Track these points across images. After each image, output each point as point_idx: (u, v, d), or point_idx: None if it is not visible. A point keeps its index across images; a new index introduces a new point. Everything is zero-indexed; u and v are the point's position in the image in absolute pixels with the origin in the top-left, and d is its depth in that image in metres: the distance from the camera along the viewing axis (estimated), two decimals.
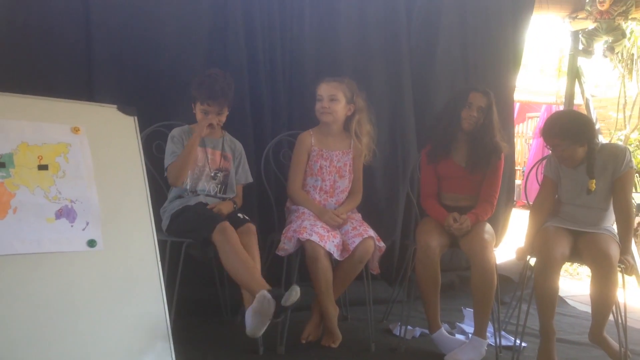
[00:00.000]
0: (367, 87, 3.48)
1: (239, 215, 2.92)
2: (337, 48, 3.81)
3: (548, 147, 3.06)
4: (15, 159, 2.30)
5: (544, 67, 12.75)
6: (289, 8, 3.70)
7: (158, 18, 3.39)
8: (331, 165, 3.19)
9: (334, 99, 3.11)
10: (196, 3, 3.46)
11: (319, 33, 3.76)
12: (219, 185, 3.05)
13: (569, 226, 2.99)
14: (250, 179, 3.19)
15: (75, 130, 2.50)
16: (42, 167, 2.35)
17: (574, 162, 3.00)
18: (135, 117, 2.70)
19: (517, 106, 9.53)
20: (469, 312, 3.53)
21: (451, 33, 4.16)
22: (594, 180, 2.95)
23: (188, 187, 2.98)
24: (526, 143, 12.27)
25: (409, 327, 3.25)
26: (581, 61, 5.36)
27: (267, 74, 3.62)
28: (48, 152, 2.38)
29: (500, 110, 3.35)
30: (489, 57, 4.29)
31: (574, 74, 5.43)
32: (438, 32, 4.11)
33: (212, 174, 3.02)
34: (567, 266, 5.62)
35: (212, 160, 3.03)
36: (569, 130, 2.92)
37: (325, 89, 3.13)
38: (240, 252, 2.64)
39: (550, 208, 3.13)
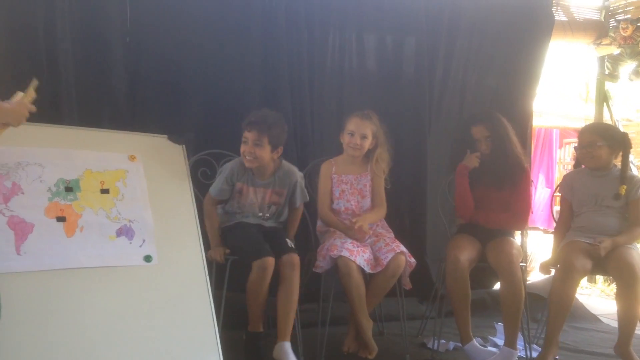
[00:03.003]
0: (389, 112, 3.72)
1: (288, 240, 3.07)
2: (362, 76, 4.07)
3: (579, 147, 3.24)
4: (81, 184, 2.60)
5: (582, 93, 12.77)
6: (317, 40, 3.99)
7: (209, 50, 3.69)
8: (352, 188, 3.39)
9: (364, 137, 3.33)
10: (248, 38, 3.76)
11: (343, 66, 4.05)
12: (268, 215, 3.18)
13: (588, 236, 3.13)
14: (307, 198, 3.26)
15: (132, 158, 2.79)
16: (104, 191, 2.64)
17: (597, 163, 3.18)
18: (184, 146, 3.00)
19: (556, 133, 9.57)
20: (501, 326, 3.64)
21: (461, 57, 4.35)
22: (625, 186, 3.12)
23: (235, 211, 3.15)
24: (564, 169, 12.24)
25: (442, 340, 3.39)
26: (617, 86, 5.49)
27: (297, 107, 3.91)
28: (109, 178, 2.67)
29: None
30: (505, 83, 4.45)
31: (602, 98, 5.57)
32: (452, 56, 4.32)
33: (261, 208, 3.16)
34: (604, 287, 5.66)
35: (262, 199, 3.14)
36: (609, 132, 3.19)
37: (357, 126, 3.32)
38: (261, 294, 2.89)
39: (570, 224, 3.29)
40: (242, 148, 3.00)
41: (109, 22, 3.52)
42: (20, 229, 2.36)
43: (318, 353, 3.09)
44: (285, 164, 3.17)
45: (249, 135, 2.96)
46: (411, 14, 4.15)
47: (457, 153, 3.46)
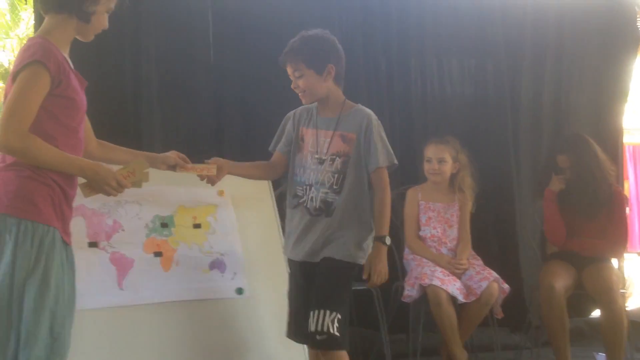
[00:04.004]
0: (473, 140, 3.66)
1: (333, 332, 2.16)
2: (441, 106, 4.03)
3: None
4: (175, 219, 2.70)
5: None
6: (395, 67, 3.99)
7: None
8: (439, 216, 3.35)
9: (443, 161, 3.31)
10: None
11: (424, 92, 4.01)
12: (335, 175, 2.31)
13: None
14: (388, 162, 2.32)
15: (221, 193, 2.86)
16: (197, 226, 2.73)
17: None
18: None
19: None
20: (602, 357, 3.45)
21: (549, 77, 4.24)
22: None
23: (297, 179, 2.39)
24: None
25: None
26: None
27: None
28: (200, 213, 2.76)
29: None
30: (593, 101, 4.30)
31: None
32: (543, 76, 4.20)
33: (321, 160, 2.33)
34: None
35: (323, 145, 2.35)
36: None
37: (434, 152, 3.33)
38: None
39: None
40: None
41: (192, 61, 3.62)
42: (122, 265, 2.48)
43: None
44: (358, 105, 2.43)
45: (289, 71, 2.38)
46: (489, 37, 4.11)
47: (543, 178, 3.37)
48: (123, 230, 2.55)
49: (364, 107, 2.39)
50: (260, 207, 2.96)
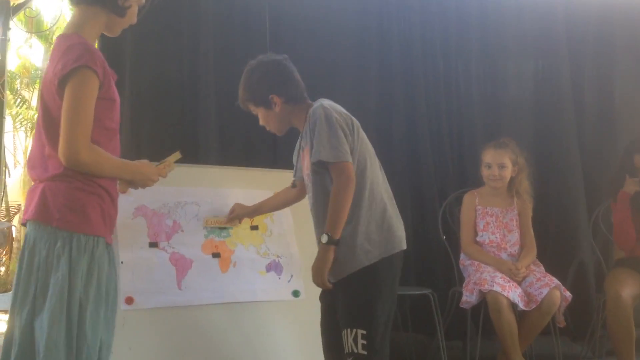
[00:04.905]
0: (528, 142, 3.57)
1: (358, 351, 1.99)
2: (503, 106, 3.93)
3: None
4: None
5: None
6: (454, 71, 3.91)
7: (349, 86, 3.68)
8: (497, 221, 3.27)
9: (503, 166, 3.23)
10: (366, 70, 3.77)
11: (485, 93, 3.92)
12: (311, 194, 2.21)
13: None
14: (333, 158, 2.02)
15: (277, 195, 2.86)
16: (254, 228, 2.74)
17: None
18: None
19: None
20: None
21: (625, 74, 4.09)
22: None
23: None
24: None
25: None
26: None
27: (432, 135, 3.82)
28: (259, 214, 2.74)
29: None
30: None
31: None
32: (611, 75, 4.06)
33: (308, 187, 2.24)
34: None
35: (305, 164, 2.23)
36: None
37: (493, 157, 3.24)
38: None
39: None
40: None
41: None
42: (181, 265, 2.49)
43: None
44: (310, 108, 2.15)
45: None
46: (553, 36, 3.99)
47: (617, 179, 3.25)
48: (182, 231, 2.56)
49: (313, 106, 2.14)
50: None
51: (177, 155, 2.02)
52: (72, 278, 1.67)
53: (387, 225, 2.10)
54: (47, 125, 1.74)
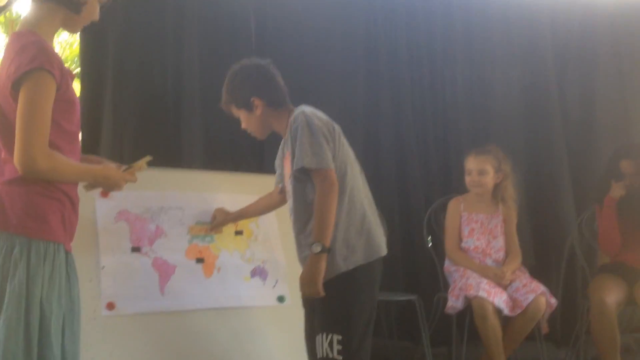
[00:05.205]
0: (516, 148, 3.57)
1: (333, 356, 1.97)
2: (490, 112, 3.93)
3: None
4: None
5: None
6: (440, 77, 3.91)
7: (334, 89, 3.64)
8: (482, 227, 3.27)
9: (483, 172, 3.23)
10: (353, 74, 3.74)
11: (471, 100, 3.91)
12: (291, 204, 2.17)
13: None
14: (301, 164, 2.00)
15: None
16: (238, 233, 2.70)
17: None
18: None
19: None
20: None
21: (608, 81, 4.10)
22: None
23: None
24: None
25: None
26: None
27: (418, 141, 3.81)
28: (243, 220, 2.71)
29: None
30: None
31: None
32: (594, 81, 4.07)
33: (287, 189, 2.24)
34: None
35: (286, 171, 2.24)
36: None
37: (473, 163, 3.25)
38: None
39: None
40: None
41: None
42: (164, 270, 2.46)
43: None
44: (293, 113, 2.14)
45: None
46: (537, 43, 4.01)
47: (602, 184, 3.26)
48: (166, 236, 2.52)
49: (297, 110, 2.13)
50: None
51: (147, 158, 1.97)
52: (30, 285, 1.58)
53: (367, 231, 2.08)
54: (3, 129, 1.65)
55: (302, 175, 2.05)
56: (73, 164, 1.71)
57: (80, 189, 1.84)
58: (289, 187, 2.18)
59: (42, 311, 1.59)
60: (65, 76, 1.65)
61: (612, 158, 3.28)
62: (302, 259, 2.10)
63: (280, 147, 2.33)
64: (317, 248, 1.94)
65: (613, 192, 3.17)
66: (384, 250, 2.12)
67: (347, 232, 2.04)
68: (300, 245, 2.13)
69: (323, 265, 1.95)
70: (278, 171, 2.39)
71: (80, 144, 1.83)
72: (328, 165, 2.00)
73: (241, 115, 2.25)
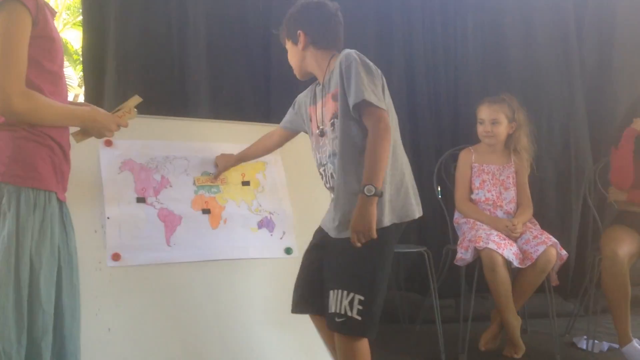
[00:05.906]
0: (536, 101, 3.44)
1: (352, 315, 1.90)
2: (503, 63, 3.82)
3: None
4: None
5: None
6: (452, 28, 3.79)
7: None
8: (494, 179, 3.21)
9: (496, 122, 3.15)
10: (362, 32, 3.61)
11: (484, 51, 3.80)
12: (331, 141, 2.06)
13: None
14: (362, 97, 1.88)
15: None
16: (245, 183, 2.65)
17: None
18: None
19: None
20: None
21: (626, 42, 3.93)
22: None
23: (317, 164, 2.23)
24: None
25: (595, 340, 3.12)
26: None
27: (430, 93, 3.73)
28: (249, 170, 2.67)
29: None
30: None
31: None
32: (612, 42, 3.91)
33: (323, 132, 2.11)
34: None
35: (322, 114, 2.12)
36: None
37: (486, 113, 3.17)
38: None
39: None
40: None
41: (245, 16, 3.49)
42: (170, 221, 2.42)
43: (460, 349, 2.94)
44: (339, 55, 2.06)
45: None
46: None
47: (624, 120, 3.15)
48: (171, 186, 2.48)
49: (343, 52, 2.04)
50: (310, 165, 2.86)
51: (136, 99, 1.88)
52: (20, 236, 1.52)
53: (405, 190, 2.00)
54: None
55: (354, 114, 1.93)
56: (56, 105, 1.61)
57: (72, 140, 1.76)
58: (328, 130, 2.06)
59: (32, 263, 1.54)
60: (42, 9, 1.55)
61: (630, 108, 3.17)
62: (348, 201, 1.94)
63: (311, 92, 2.22)
64: (370, 190, 1.82)
65: (636, 124, 3.06)
66: (418, 212, 2.03)
67: (388, 187, 1.94)
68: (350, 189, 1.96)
69: (375, 208, 1.84)
70: (299, 112, 2.31)
71: (66, 86, 1.72)
72: (384, 106, 1.91)
73: (287, 46, 2.23)
